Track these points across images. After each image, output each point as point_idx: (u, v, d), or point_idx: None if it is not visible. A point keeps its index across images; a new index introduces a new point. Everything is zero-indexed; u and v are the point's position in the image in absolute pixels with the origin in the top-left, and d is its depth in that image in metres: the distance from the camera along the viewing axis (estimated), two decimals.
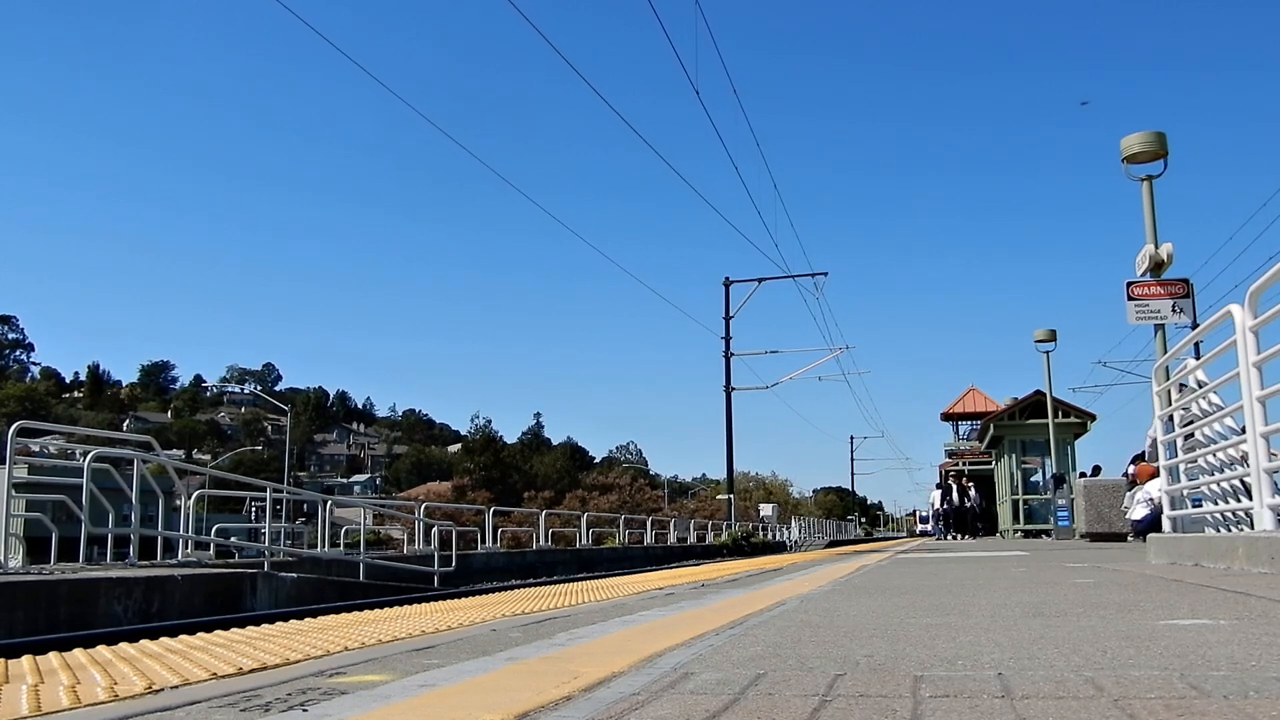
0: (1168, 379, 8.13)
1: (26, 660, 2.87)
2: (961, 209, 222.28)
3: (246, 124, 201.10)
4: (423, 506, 20.09)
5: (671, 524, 34.28)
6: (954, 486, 23.95)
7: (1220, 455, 6.30)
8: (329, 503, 14.99)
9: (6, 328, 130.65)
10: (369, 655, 2.48)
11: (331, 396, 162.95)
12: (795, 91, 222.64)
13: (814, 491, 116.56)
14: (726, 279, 30.81)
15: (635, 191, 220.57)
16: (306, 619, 4.75)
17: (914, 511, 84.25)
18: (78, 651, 3.10)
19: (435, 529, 16.41)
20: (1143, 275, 10.91)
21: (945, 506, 24.12)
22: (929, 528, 66.98)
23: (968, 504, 23.56)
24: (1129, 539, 13.86)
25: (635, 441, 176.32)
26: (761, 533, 33.36)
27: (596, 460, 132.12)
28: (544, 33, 16.77)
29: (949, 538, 23.29)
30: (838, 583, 5.27)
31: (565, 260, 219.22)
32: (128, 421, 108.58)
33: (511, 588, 11.30)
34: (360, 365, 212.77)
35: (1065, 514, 20.37)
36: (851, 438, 69.74)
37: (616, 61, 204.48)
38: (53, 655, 3.03)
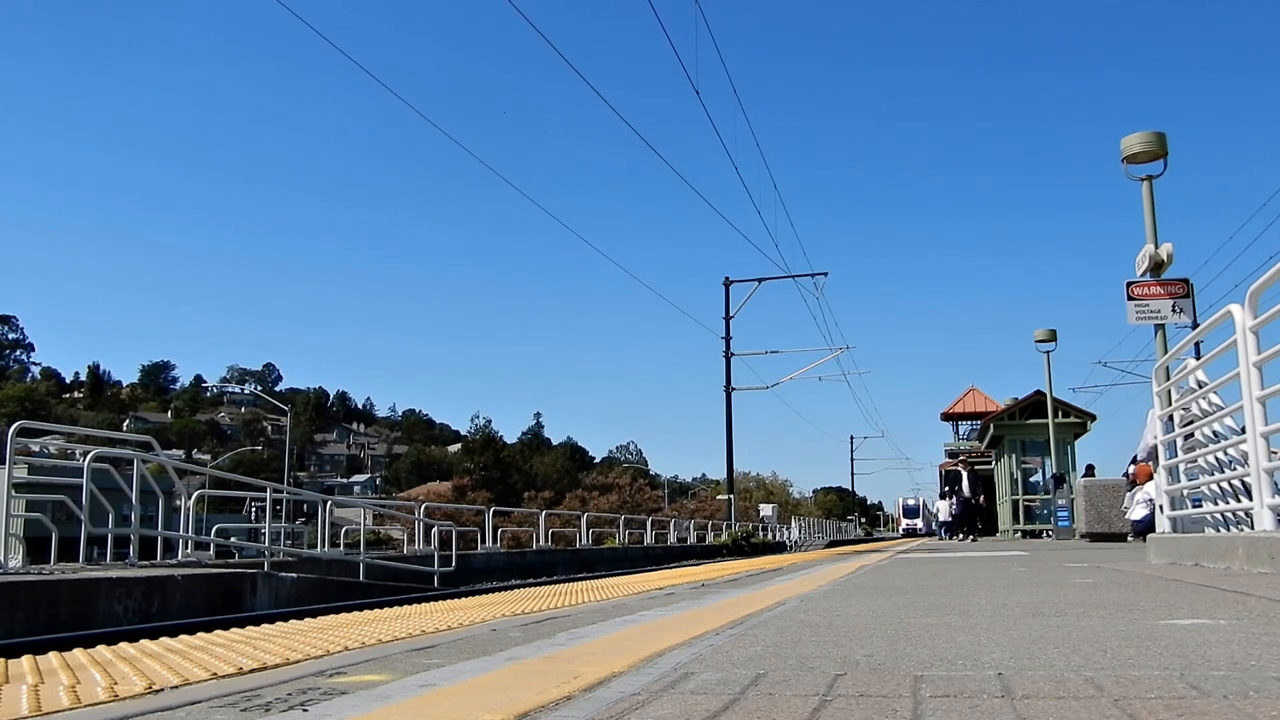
0: (1168, 379, 8.13)
1: (26, 660, 2.87)
2: (961, 209, 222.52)
3: (246, 124, 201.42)
4: (423, 507, 20.09)
5: (671, 524, 34.28)
6: (963, 475, 23.25)
7: (1220, 455, 6.30)
8: (329, 503, 14.98)
9: (6, 328, 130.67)
10: (369, 655, 2.48)
11: (331, 396, 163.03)
12: (795, 91, 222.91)
13: (814, 491, 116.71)
14: (726, 279, 30.85)
15: (635, 191, 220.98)
16: (306, 619, 4.75)
17: (901, 501, 74.64)
18: (78, 651, 3.10)
19: (435, 529, 16.42)
20: (1143, 275, 10.91)
21: (952, 506, 23.61)
22: (918, 524, 64.66)
23: (975, 500, 22.82)
24: (1129, 539, 13.87)
25: (635, 441, 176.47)
26: (761, 533, 33.35)
27: (596, 460, 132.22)
28: (544, 33, 16.78)
29: (957, 537, 22.99)
30: (838, 583, 5.27)
31: (565, 260, 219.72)
32: (128, 421, 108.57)
33: (511, 588, 11.30)
34: (360, 365, 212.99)
35: (1065, 514, 20.39)
36: (851, 438, 69.72)
37: (617, 62, 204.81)
38: (53, 655, 3.03)
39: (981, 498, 22.74)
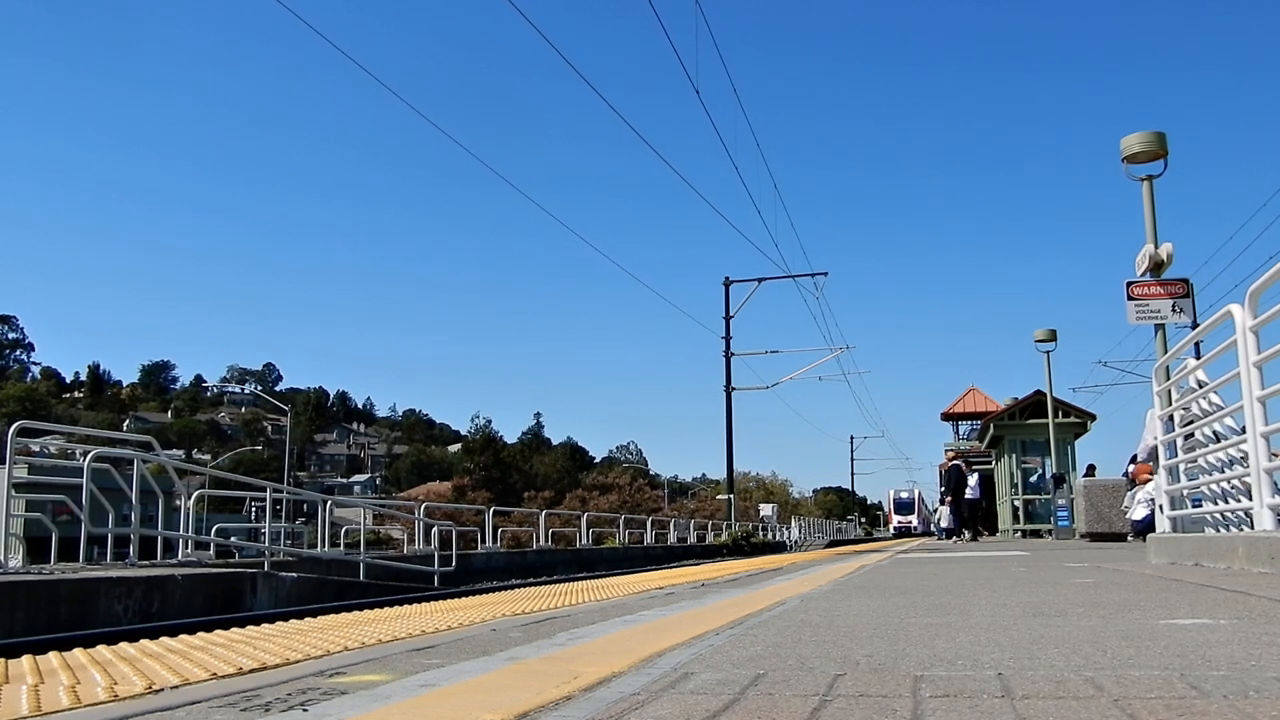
0: (1168, 379, 8.13)
1: (26, 660, 2.87)
2: (961, 209, 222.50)
3: (247, 123, 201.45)
4: (423, 506, 20.10)
5: (671, 524, 34.28)
6: (953, 474, 22.78)
7: (1220, 455, 6.30)
8: (329, 503, 14.98)
9: (6, 328, 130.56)
10: (369, 655, 2.48)
11: (331, 396, 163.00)
12: (795, 91, 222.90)
13: (814, 491, 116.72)
14: (726, 279, 30.88)
15: (635, 191, 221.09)
16: (306, 619, 4.75)
17: (892, 494, 64.53)
18: (78, 651, 3.09)
19: (435, 529, 16.42)
20: (1143, 275, 10.90)
21: (951, 507, 23.22)
22: (913, 521, 61.66)
23: (964, 499, 22.20)
24: (1129, 539, 13.86)
25: (635, 441, 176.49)
26: (761, 533, 33.37)
27: (596, 460, 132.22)
28: (544, 33, 16.80)
29: (955, 539, 22.81)
30: (838, 582, 5.27)
31: (565, 260, 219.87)
32: (128, 421, 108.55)
33: (511, 588, 11.30)
34: (360, 365, 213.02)
35: (1065, 514, 20.36)
36: (851, 438, 69.57)
37: (617, 61, 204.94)
38: (53, 655, 3.03)
39: (972, 499, 22.00)
